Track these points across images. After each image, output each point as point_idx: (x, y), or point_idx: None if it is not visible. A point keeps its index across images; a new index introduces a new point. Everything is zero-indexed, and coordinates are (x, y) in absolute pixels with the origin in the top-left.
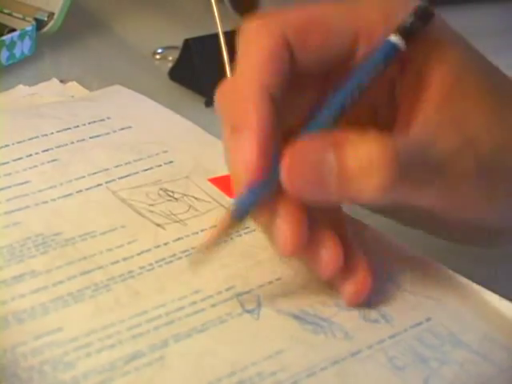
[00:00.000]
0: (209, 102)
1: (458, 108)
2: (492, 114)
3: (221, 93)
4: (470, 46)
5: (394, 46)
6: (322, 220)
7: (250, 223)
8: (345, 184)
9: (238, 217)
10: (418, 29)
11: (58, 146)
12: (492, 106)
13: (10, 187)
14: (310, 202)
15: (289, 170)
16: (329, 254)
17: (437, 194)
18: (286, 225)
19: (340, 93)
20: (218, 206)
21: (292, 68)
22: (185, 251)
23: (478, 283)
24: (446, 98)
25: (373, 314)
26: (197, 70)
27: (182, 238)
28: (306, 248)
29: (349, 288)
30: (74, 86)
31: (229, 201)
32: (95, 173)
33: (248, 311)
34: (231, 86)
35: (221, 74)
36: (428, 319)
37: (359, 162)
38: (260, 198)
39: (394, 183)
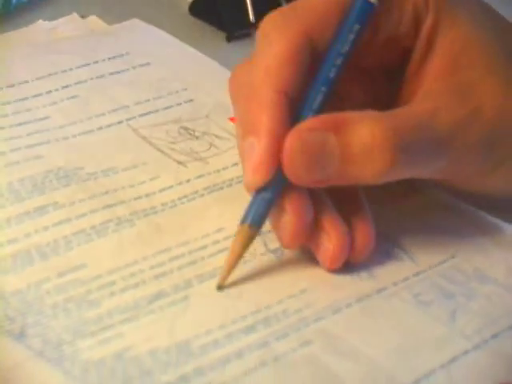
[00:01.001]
0: (230, 38)
1: (464, 77)
2: (499, 81)
3: (234, 81)
4: (483, 5)
5: (364, 3)
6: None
7: None
8: (347, 167)
9: (255, 226)
10: None
11: (78, 83)
12: (499, 73)
13: (30, 122)
14: (310, 185)
15: (289, 155)
16: (332, 247)
17: (441, 169)
18: (289, 219)
19: (323, 66)
20: None
21: (314, 63)
22: (207, 188)
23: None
24: (452, 66)
25: (396, 251)
26: (218, 5)
27: (203, 176)
28: (309, 238)
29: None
30: (93, 21)
31: None
32: (115, 110)
33: (271, 251)
34: (245, 76)
35: (242, 9)
36: (453, 256)
37: (361, 145)
38: (270, 202)
39: (395, 164)
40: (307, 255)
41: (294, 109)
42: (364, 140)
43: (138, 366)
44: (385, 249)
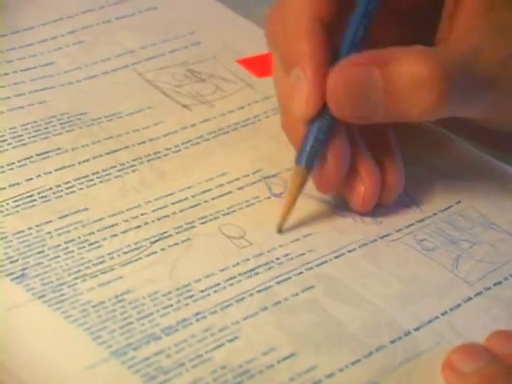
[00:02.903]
0: None
1: (502, 17)
2: None
3: (269, 23)
4: None
5: None
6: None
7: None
8: (392, 102)
9: (309, 163)
10: None
11: (83, 28)
12: None
13: (35, 68)
14: (356, 121)
15: (334, 88)
16: (364, 189)
17: (485, 107)
18: (330, 167)
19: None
20: (246, 87)
21: None
22: (212, 132)
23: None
24: (489, 5)
25: (402, 197)
26: None
27: (209, 120)
28: (344, 183)
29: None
30: None
31: (257, 82)
32: (121, 54)
33: (275, 195)
34: (279, 15)
35: None
36: (458, 202)
37: (406, 80)
38: (322, 138)
39: (444, 100)
40: (312, 200)
41: (332, 39)
42: (411, 74)
43: (138, 308)
44: None
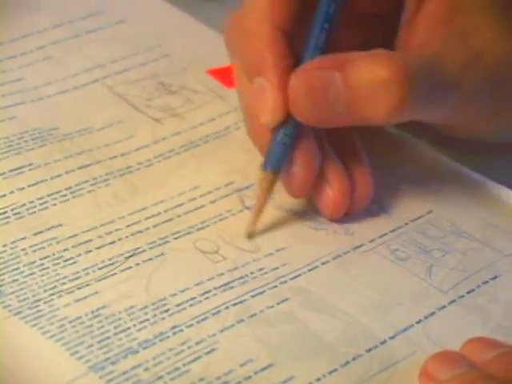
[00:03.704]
0: None
1: (463, 21)
2: (498, 25)
3: (229, 30)
4: None
5: None
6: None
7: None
8: (354, 106)
9: (276, 168)
10: None
11: (52, 43)
12: (498, 17)
13: (4, 84)
14: (318, 125)
15: (295, 92)
16: (333, 195)
17: (448, 111)
18: (300, 170)
19: (321, 2)
20: (216, 98)
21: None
22: (183, 146)
23: (477, 172)
24: (450, 10)
25: (373, 207)
26: None
27: (180, 133)
28: (314, 187)
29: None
30: None
31: (227, 93)
32: (91, 69)
33: (248, 208)
34: (239, 22)
35: None
36: (429, 212)
37: (368, 83)
38: (288, 142)
39: (405, 103)
40: (284, 213)
41: (294, 46)
42: (371, 76)
43: (115, 323)
44: None
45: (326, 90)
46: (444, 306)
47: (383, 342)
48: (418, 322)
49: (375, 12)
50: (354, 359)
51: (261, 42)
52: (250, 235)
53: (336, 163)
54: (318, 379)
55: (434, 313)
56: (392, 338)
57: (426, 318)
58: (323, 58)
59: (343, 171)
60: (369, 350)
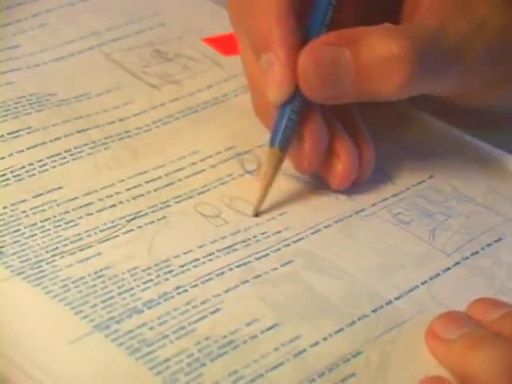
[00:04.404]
0: None
1: None
2: None
3: (233, 4)
4: None
5: None
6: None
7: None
8: (364, 82)
9: (284, 145)
10: None
11: (47, 11)
12: None
13: (0, 51)
14: (327, 102)
15: (304, 69)
16: (342, 167)
17: (453, 82)
18: (307, 147)
19: None
20: (213, 66)
21: None
22: (181, 111)
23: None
24: None
25: (376, 175)
26: None
27: (178, 99)
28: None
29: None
30: None
31: (224, 60)
32: (86, 36)
33: (249, 172)
34: None
35: None
36: (430, 177)
37: (378, 58)
38: (295, 118)
39: (415, 77)
40: (285, 179)
41: (301, 22)
42: (381, 52)
43: (119, 284)
44: None
45: (335, 67)
46: (448, 268)
47: (388, 303)
48: (422, 284)
49: None
50: (359, 319)
51: (269, 18)
52: (257, 214)
53: (344, 137)
54: (325, 338)
55: (438, 274)
56: (397, 298)
57: (430, 279)
58: (332, 33)
59: (351, 143)
60: (374, 311)
